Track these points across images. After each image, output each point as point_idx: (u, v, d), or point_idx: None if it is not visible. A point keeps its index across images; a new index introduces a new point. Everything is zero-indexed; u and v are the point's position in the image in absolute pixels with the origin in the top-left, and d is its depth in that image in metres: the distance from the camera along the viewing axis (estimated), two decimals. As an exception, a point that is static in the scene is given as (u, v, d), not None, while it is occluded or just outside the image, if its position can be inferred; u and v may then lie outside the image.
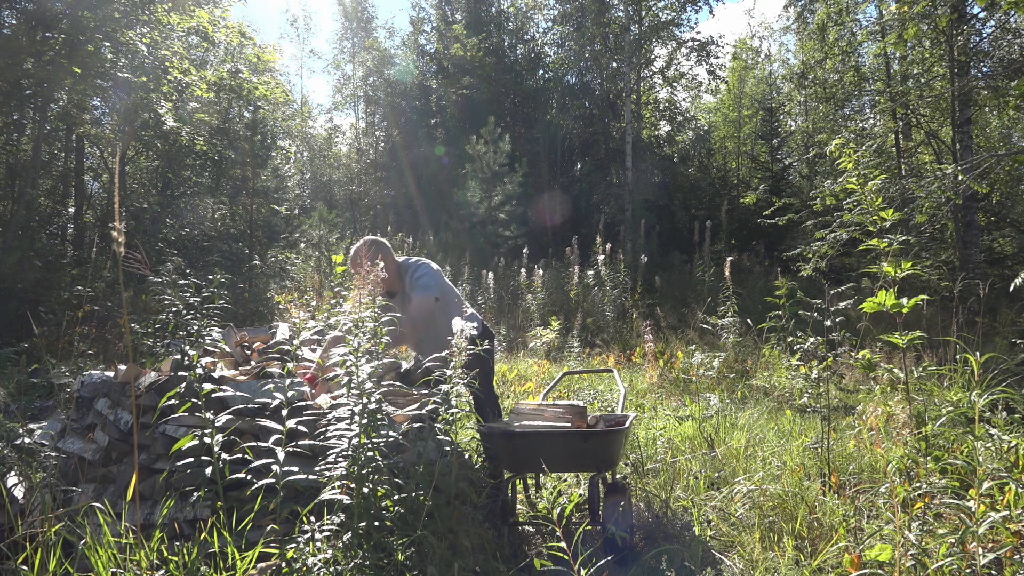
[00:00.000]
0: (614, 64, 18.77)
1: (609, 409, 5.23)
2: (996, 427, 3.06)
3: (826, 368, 4.07)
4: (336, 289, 5.47)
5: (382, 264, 2.67)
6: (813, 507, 2.97)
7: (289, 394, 2.51)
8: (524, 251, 11.77)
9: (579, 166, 20.60)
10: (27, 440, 3.08)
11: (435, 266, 3.71)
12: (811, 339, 4.30)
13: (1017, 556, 2.11)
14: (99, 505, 2.42)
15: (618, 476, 3.68)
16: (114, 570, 2.16)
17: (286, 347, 3.52)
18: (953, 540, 2.21)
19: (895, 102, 10.44)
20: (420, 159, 19.55)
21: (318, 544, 2.21)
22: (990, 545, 2.18)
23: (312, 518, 2.29)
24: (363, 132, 24.90)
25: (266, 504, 2.37)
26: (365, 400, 2.39)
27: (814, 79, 12.75)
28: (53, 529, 2.28)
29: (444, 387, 2.56)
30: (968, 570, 2.08)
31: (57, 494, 2.74)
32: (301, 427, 2.57)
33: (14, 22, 8.48)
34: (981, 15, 9.66)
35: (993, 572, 2.23)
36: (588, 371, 4.99)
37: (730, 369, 6.50)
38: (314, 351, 3.54)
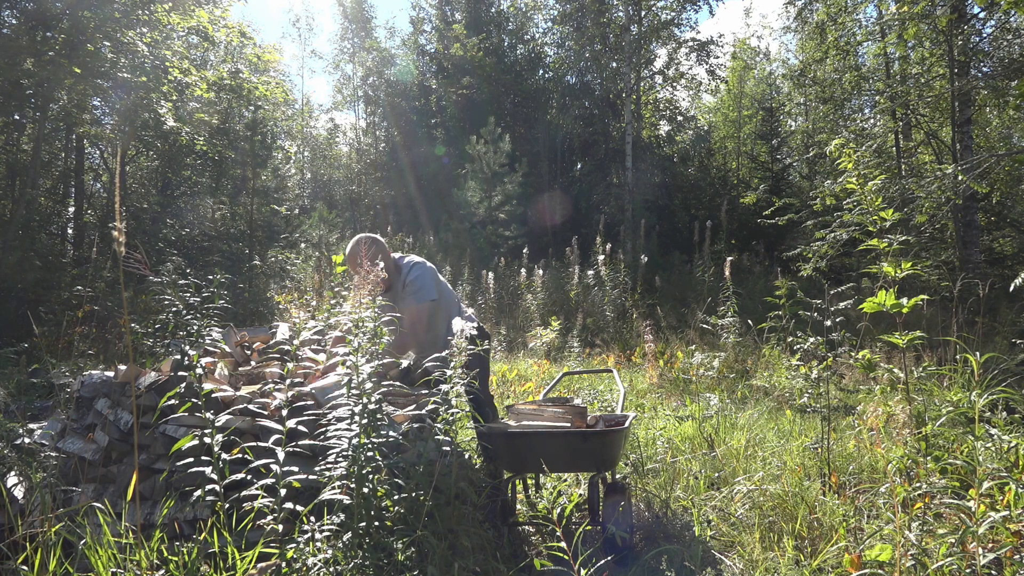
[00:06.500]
0: (614, 64, 18.76)
1: (609, 409, 5.23)
2: (996, 427, 3.06)
3: (826, 368, 4.07)
4: (336, 289, 5.48)
5: (381, 264, 2.68)
6: (813, 507, 2.97)
7: (290, 394, 2.51)
8: (524, 251, 11.77)
9: (579, 166, 20.60)
10: (27, 440, 3.08)
11: (429, 265, 3.69)
12: (811, 339, 4.30)
13: (1017, 556, 2.11)
14: (99, 505, 2.42)
15: (618, 476, 3.68)
16: (114, 570, 2.16)
17: (286, 347, 3.52)
18: (953, 540, 2.21)
19: (895, 102, 10.44)
20: (420, 159, 19.55)
21: (318, 544, 2.21)
22: (990, 545, 2.18)
23: (312, 518, 2.29)
24: (363, 132, 24.91)
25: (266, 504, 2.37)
26: (365, 400, 2.39)
27: (814, 79, 12.75)
28: (53, 529, 2.28)
29: (444, 387, 2.56)
30: (968, 570, 2.08)
31: (57, 494, 2.74)
32: (301, 427, 2.57)
33: (14, 22, 8.47)
34: (981, 15, 9.66)
35: (993, 572, 2.23)
36: (588, 371, 4.99)
37: (730, 369, 6.50)
38: (316, 351, 3.54)
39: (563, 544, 2.01)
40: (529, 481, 3.72)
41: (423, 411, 2.60)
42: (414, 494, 2.38)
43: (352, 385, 2.42)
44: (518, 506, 3.50)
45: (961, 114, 9.55)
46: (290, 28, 46.11)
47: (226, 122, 10.46)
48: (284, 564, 2.17)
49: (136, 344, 3.78)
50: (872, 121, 12.32)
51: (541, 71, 20.87)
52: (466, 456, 3.47)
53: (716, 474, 3.70)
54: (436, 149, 19.43)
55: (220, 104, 10.36)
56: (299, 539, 2.22)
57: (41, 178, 9.63)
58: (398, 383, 3.16)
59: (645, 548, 3.00)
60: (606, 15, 18.00)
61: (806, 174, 17.56)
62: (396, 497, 2.37)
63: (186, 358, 2.45)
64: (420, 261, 3.67)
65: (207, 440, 2.35)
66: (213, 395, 2.76)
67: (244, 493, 2.36)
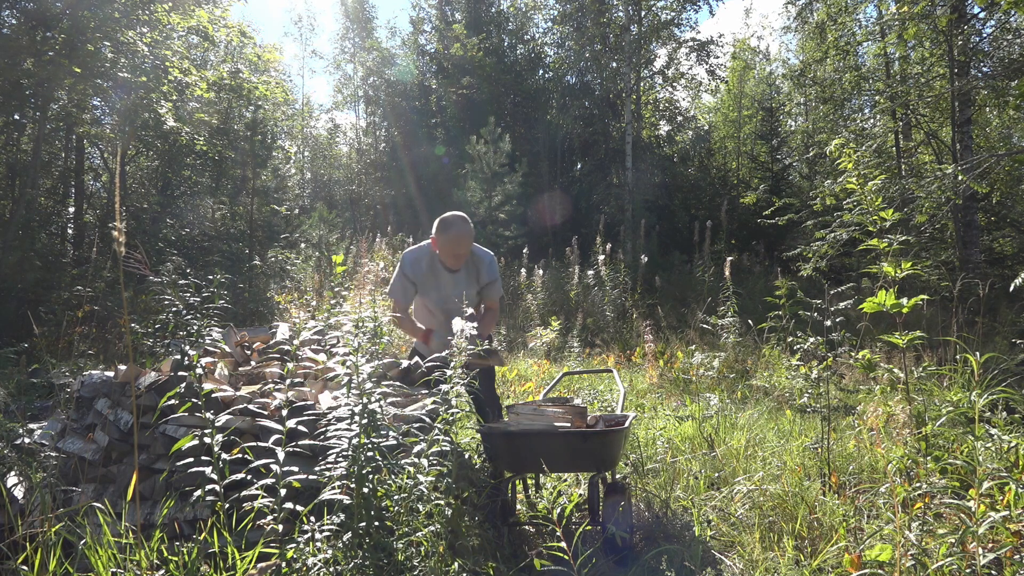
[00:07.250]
0: (614, 64, 18.76)
1: (609, 409, 5.23)
2: (996, 427, 3.06)
3: (826, 368, 4.07)
4: (336, 289, 5.47)
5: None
6: (813, 507, 2.97)
7: (289, 394, 2.51)
8: (524, 251, 11.77)
9: (579, 166, 20.60)
10: (27, 440, 3.08)
11: None
12: (811, 339, 4.30)
13: (1017, 556, 2.11)
14: (99, 505, 2.42)
15: (618, 476, 3.68)
16: (114, 570, 2.16)
17: (286, 347, 3.52)
18: (953, 540, 2.21)
19: (895, 102, 10.44)
20: (420, 159, 19.55)
21: (318, 544, 2.21)
22: (990, 545, 2.18)
23: (312, 518, 2.29)
24: (363, 132, 24.92)
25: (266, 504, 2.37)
26: (365, 400, 2.39)
27: (814, 79, 12.76)
28: (53, 529, 2.28)
29: (444, 387, 2.56)
30: (968, 570, 2.08)
31: (57, 494, 2.74)
32: (301, 427, 2.57)
33: (14, 22, 8.48)
34: (981, 15, 9.66)
35: (993, 572, 2.23)
36: (588, 371, 4.98)
37: (730, 369, 6.50)
38: (316, 351, 3.54)
39: (563, 544, 2.01)
40: (529, 481, 3.72)
41: (423, 411, 2.60)
42: (414, 494, 2.38)
43: (352, 385, 2.42)
44: (518, 506, 3.50)
45: (961, 114, 9.55)
46: (291, 28, 46.23)
47: (226, 122, 10.46)
48: (284, 564, 2.17)
49: (136, 344, 3.78)
50: (872, 121, 12.32)
51: (541, 71, 20.88)
52: (466, 456, 3.48)
53: (716, 474, 3.70)
54: (436, 149, 19.42)
55: (220, 104, 10.36)
56: (299, 539, 2.22)
57: (41, 178, 9.63)
58: (398, 383, 3.16)
59: (645, 548, 3.00)
60: (606, 15, 18.00)
61: (806, 174, 17.56)
62: (396, 497, 2.37)
63: (186, 358, 2.45)
64: (493, 255, 3.87)
65: (207, 440, 2.35)
66: (213, 395, 2.76)
67: (244, 493, 2.36)
